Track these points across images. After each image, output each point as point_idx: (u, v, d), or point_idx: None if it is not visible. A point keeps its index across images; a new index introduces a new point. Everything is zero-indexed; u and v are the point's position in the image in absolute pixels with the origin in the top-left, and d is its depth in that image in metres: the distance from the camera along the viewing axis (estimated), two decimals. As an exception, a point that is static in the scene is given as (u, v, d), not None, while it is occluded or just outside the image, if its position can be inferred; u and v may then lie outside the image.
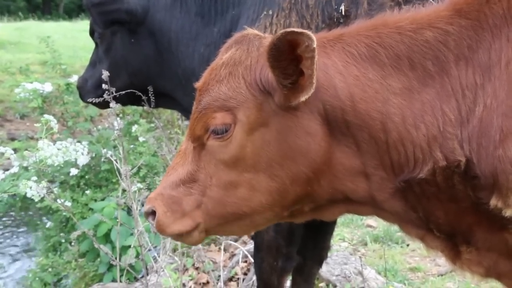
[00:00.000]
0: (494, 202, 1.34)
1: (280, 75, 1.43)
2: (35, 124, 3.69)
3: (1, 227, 7.60)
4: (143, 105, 3.38)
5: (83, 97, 3.64)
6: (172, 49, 3.15)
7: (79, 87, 3.64)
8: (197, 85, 1.64)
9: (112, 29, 3.25)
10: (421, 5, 1.57)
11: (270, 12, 2.54)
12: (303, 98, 1.43)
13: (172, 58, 3.17)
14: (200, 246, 3.88)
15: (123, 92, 3.01)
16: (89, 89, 3.52)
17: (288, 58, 1.39)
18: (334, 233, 5.27)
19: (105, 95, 2.81)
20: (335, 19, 2.37)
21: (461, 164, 1.36)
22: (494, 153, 1.31)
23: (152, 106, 3.21)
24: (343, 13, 2.35)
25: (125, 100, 3.33)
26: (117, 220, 3.28)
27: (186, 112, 3.42)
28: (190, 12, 3.06)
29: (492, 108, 1.32)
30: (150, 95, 3.18)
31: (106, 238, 5.01)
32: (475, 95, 1.36)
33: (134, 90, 3.24)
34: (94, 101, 3.09)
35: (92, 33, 3.45)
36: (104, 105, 3.03)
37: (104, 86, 2.73)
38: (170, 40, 3.14)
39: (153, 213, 1.65)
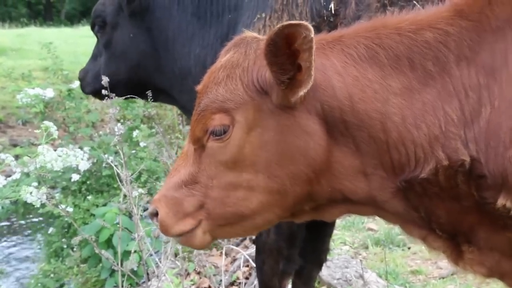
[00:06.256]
0: (502, 201, 1.34)
1: (278, 71, 1.43)
2: (35, 131, 3.71)
3: (3, 233, 7.60)
4: (142, 97, 3.49)
5: (83, 88, 3.76)
6: (169, 47, 3.21)
7: (80, 78, 3.74)
8: (197, 88, 1.66)
9: (114, 22, 3.34)
10: (406, 7, 1.58)
11: (263, 15, 2.58)
12: (301, 92, 1.43)
13: (168, 56, 3.24)
14: (201, 250, 3.89)
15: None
16: (88, 81, 3.63)
17: (285, 53, 1.40)
18: (335, 237, 5.29)
19: (105, 100, 2.87)
20: (325, 17, 2.41)
21: (465, 163, 1.36)
22: (504, 154, 1.31)
23: (150, 100, 3.28)
24: (332, 11, 2.38)
25: (125, 92, 3.42)
26: (119, 225, 3.29)
27: (184, 109, 3.52)
28: (186, 12, 3.12)
29: (501, 109, 1.32)
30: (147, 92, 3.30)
31: (108, 243, 5.01)
32: (479, 95, 1.36)
33: (131, 93, 3.38)
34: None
35: (93, 26, 3.53)
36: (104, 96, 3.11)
37: (103, 92, 2.78)
38: (167, 38, 3.21)
39: (157, 214, 1.66)
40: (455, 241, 1.52)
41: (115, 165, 3.17)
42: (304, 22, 1.34)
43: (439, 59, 1.41)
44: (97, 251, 2.89)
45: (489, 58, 1.36)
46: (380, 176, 1.49)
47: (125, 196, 3.12)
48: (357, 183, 1.52)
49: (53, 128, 3.54)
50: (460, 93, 1.38)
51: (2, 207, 4.62)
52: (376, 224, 5.69)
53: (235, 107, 1.52)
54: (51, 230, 6.28)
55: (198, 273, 4.63)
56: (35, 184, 3.48)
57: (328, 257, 3.34)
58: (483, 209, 1.40)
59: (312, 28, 1.34)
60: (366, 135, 1.46)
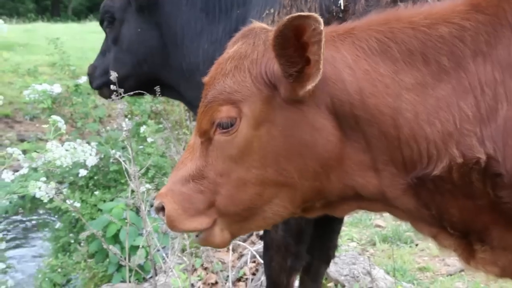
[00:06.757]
0: None
1: (286, 63, 1.40)
2: (43, 125, 3.72)
3: (11, 228, 7.64)
4: (150, 93, 3.46)
5: (91, 83, 3.77)
6: (178, 42, 3.21)
7: (89, 74, 3.75)
8: (205, 80, 1.63)
9: (122, 17, 3.35)
10: (418, 1, 1.55)
11: (272, 11, 2.56)
12: (309, 86, 1.40)
13: (177, 51, 3.23)
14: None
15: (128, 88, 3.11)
16: (97, 76, 3.64)
17: (294, 45, 1.37)
18: (343, 233, 5.28)
19: (113, 96, 2.88)
20: (334, 13, 2.39)
21: (481, 161, 1.32)
22: None
23: (158, 95, 3.27)
24: (342, 7, 2.36)
25: (132, 88, 3.38)
26: (126, 220, 3.29)
27: (190, 105, 3.52)
28: (195, 7, 3.11)
29: None
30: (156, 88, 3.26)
31: (115, 238, 5.03)
32: (494, 91, 1.32)
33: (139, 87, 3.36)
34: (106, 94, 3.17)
35: (101, 22, 3.54)
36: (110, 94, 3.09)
37: (112, 87, 2.78)
38: (176, 33, 3.20)
39: (163, 208, 1.63)
40: (467, 239, 1.49)
41: (123, 161, 3.17)
42: (313, 14, 1.31)
43: (455, 54, 1.38)
44: (104, 246, 2.89)
45: (506, 53, 1.33)
46: (391, 172, 1.46)
47: (132, 191, 3.12)
48: (369, 179, 1.49)
49: (60, 123, 3.55)
50: (475, 89, 1.34)
51: (10, 202, 4.64)
52: (384, 221, 5.68)
53: (243, 99, 1.49)
54: (58, 225, 6.30)
55: (205, 268, 4.64)
56: (43, 179, 3.49)
57: (335, 253, 3.33)
58: (498, 208, 1.37)
59: (321, 20, 1.31)
60: (377, 130, 1.43)
